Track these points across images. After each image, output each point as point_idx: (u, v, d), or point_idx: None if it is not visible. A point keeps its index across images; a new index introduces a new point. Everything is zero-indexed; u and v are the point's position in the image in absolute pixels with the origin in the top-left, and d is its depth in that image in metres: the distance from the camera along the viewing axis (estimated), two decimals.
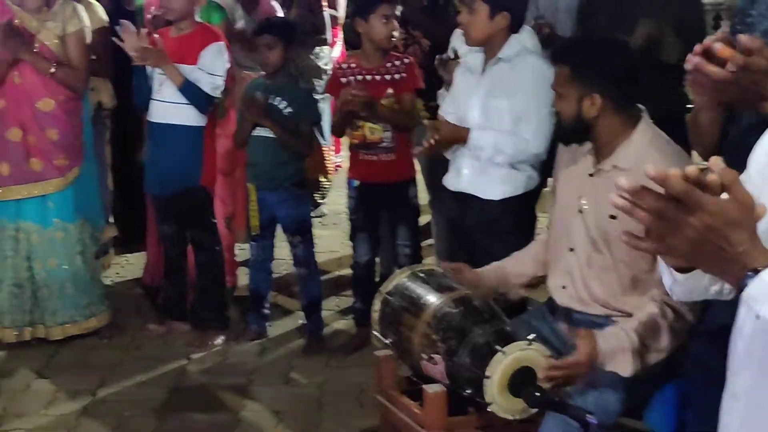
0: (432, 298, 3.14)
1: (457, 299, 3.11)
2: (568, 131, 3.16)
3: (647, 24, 4.20)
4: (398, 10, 4.68)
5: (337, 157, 7.53)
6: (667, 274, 1.69)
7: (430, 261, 5.17)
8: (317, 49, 6.71)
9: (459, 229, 4.13)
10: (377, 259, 5.07)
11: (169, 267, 5.13)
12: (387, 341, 3.27)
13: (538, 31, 4.26)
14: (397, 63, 4.72)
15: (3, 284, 4.89)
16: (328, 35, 6.60)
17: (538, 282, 3.47)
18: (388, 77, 4.70)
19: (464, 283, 3.26)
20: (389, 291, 3.28)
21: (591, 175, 3.14)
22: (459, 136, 3.92)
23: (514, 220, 3.94)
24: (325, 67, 6.73)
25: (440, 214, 5.09)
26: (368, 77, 4.72)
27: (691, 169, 1.41)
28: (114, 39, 4.88)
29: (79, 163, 4.95)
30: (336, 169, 7.39)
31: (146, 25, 5.33)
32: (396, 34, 4.69)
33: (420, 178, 5.14)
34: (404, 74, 4.70)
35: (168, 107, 4.80)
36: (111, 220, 5.90)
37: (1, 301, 4.89)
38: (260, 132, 4.80)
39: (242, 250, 5.75)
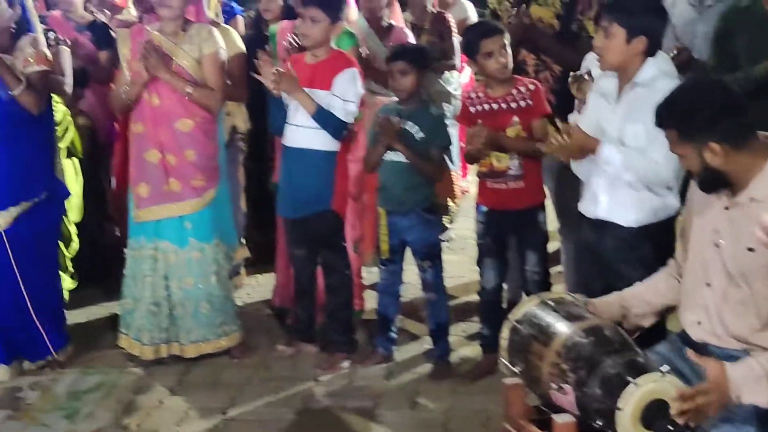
0: (562, 327, 3.11)
1: (587, 329, 3.07)
2: (705, 183, 3.11)
3: None
4: (506, 38, 4.66)
5: (464, 181, 7.53)
6: None
7: (558, 288, 5.12)
8: (446, 74, 6.75)
9: (595, 256, 4.08)
10: (504, 285, 5.03)
11: (299, 289, 5.21)
12: (515, 370, 3.25)
13: (677, 56, 4.20)
14: (523, 90, 4.70)
15: (141, 303, 5.02)
16: (457, 61, 6.62)
17: (665, 312, 3.41)
18: (514, 105, 4.69)
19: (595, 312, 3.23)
20: (518, 319, 3.26)
21: (726, 208, 3.08)
22: (589, 145, 3.89)
23: (653, 247, 3.87)
24: (454, 93, 6.77)
25: (570, 242, 5.04)
26: (494, 106, 4.72)
27: None
28: (253, 64, 4.97)
29: (215, 184, 5.04)
30: (463, 194, 7.39)
31: (279, 52, 5.45)
32: (507, 62, 4.66)
33: (549, 204, 5.10)
34: (530, 101, 4.67)
35: (302, 132, 4.87)
36: (243, 241, 6.01)
37: (140, 318, 5.03)
38: (391, 156, 4.84)
39: (370, 274, 5.79)
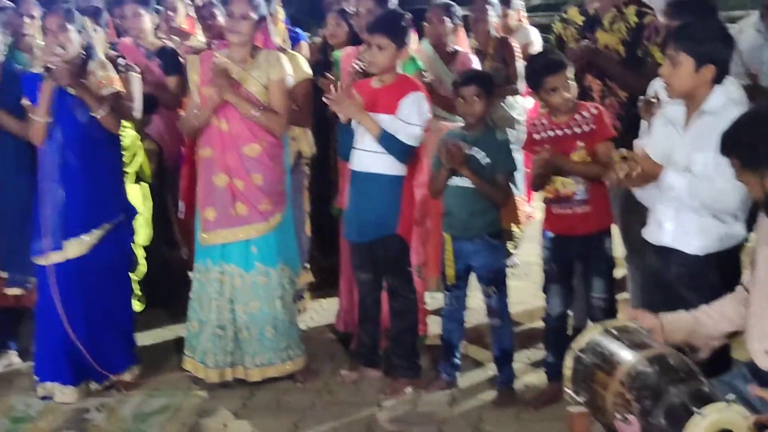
0: (626, 356, 3.07)
1: (652, 357, 3.02)
2: None
3: None
4: (569, 71, 4.65)
5: (529, 206, 7.50)
6: None
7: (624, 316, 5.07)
8: (510, 99, 6.75)
9: (660, 283, 4.04)
10: (570, 312, 4.99)
11: (363, 314, 5.21)
12: (580, 399, 3.22)
13: (749, 81, 4.16)
14: (586, 114, 4.67)
15: (207, 326, 5.06)
16: (521, 86, 6.61)
17: (729, 338, 3.36)
18: (578, 130, 4.66)
19: (658, 339, 3.19)
20: (581, 348, 3.22)
21: None
22: (654, 172, 3.87)
23: (718, 275, 3.83)
24: (518, 118, 6.75)
25: (637, 269, 4.98)
26: (558, 132, 4.70)
27: None
28: (318, 89, 5.02)
29: (281, 208, 5.07)
30: (528, 219, 7.35)
31: (343, 77, 5.49)
32: (570, 96, 4.65)
33: (616, 230, 5.05)
34: (594, 125, 4.65)
35: (368, 156, 4.90)
36: (307, 265, 6.04)
37: (205, 342, 5.06)
38: (457, 182, 4.85)
39: (434, 299, 5.78)
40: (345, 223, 5.19)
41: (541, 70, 4.69)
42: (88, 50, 5.03)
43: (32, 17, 6.38)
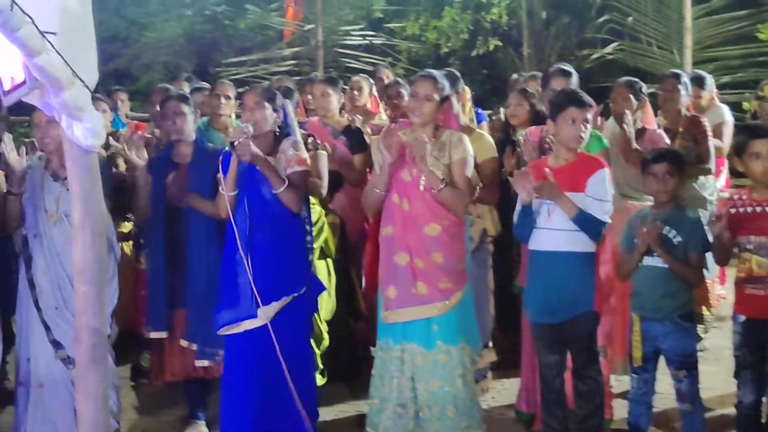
0: None
1: None
2: None
3: None
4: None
5: (721, 288, 7.25)
6: None
7: None
8: (701, 179, 6.58)
9: None
10: (764, 399, 4.76)
11: (550, 397, 5.03)
12: None
13: None
14: None
15: (388, 404, 5.03)
16: (712, 165, 6.44)
17: None
18: None
19: None
20: None
21: None
22: None
23: None
24: (709, 198, 6.57)
25: None
26: (758, 209, 4.59)
27: None
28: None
29: (462, 286, 5.03)
30: (719, 301, 7.11)
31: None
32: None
33: None
34: None
35: (559, 235, 4.80)
36: (490, 344, 5.98)
37: (386, 419, 5.03)
38: (648, 261, 4.77)
39: (618, 382, 5.62)
40: (529, 305, 5.09)
41: (747, 134, 4.62)
42: (285, 128, 5.18)
43: (228, 98, 6.66)
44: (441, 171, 4.94)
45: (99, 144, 3.34)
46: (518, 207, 4.89)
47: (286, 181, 5.02)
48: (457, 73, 6.03)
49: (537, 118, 6.03)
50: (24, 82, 3.09)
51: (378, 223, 5.40)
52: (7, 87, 3.18)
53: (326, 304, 5.80)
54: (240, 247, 5.01)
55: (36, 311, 5.08)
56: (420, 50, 16.60)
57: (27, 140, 5.74)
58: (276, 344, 4.98)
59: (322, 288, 5.45)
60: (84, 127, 3.25)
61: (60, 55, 3.00)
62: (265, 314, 5.02)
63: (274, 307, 5.04)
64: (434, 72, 5.09)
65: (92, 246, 3.45)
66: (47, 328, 5.06)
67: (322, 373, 5.75)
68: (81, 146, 3.31)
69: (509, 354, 6.12)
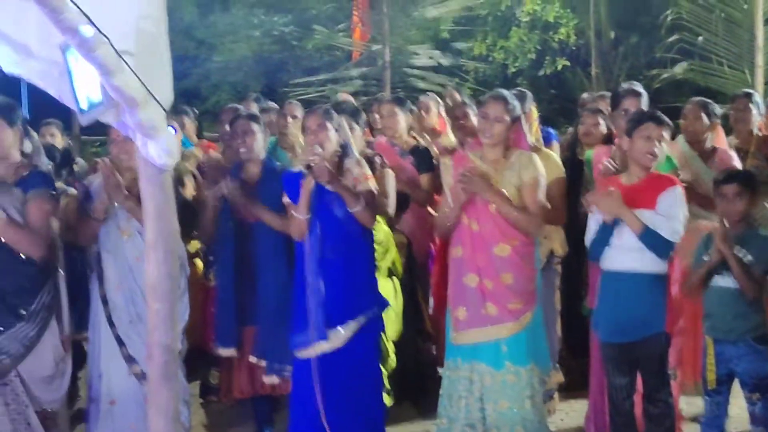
0: None
1: None
2: None
3: None
4: None
5: None
6: None
7: None
8: None
9: None
10: None
11: (619, 420, 4.97)
12: None
13: None
14: None
15: (456, 423, 5.01)
16: None
17: None
18: None
19: None
20: None
21: None
22: None
23: None
24: None
25: None
26: None
27: None
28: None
29: (532, 307, 5.00)
30: None
31: (594, 175, 5.43)
32: None
33: None
34: None
35: (628, 254, 4.76)
36: (558, 365, 5.93)
37: None
38: (719, 282, 4.71)
39: (688, 405, 5.53)
40: (599, 324, 5.04)
41: None
42: (345, 148, 5.21)
43: (295, 117, 6.71)
44: (511, 192, 4.92)
45: (173, 163, 3.38)
46: (593, 226, 4.85)
47: (362, 199, 5.05)
48: (528, 93, 6.01)
49: (606, 138, 5.98)
50: (101, 102, 3.13)
51: (444, 243, 5.39)
52: (84, 107, 3.22)
53: (393, 324, 5.80)
54: (312, 270, 5.04)
55: (109, 327, 5.14)
56: (487, 70, 16.59)
57: (98, 159, 5.81)
58: (345, 364, 5.00)
59: (387, 304, 5.45)
60: (158, 146, 3.29)
61: (136, 75, 3.05)
62: (338, 336, 5.04)
63: (351, 327, 5.07)
64: (505, 92, 5.08)
65: (165, 263, 3.47)
66: (121, 343, 5.10)
67: (389, 393, 5.74)
68: (155, 165, 3.35)
69: (577, 376, 6.05)
